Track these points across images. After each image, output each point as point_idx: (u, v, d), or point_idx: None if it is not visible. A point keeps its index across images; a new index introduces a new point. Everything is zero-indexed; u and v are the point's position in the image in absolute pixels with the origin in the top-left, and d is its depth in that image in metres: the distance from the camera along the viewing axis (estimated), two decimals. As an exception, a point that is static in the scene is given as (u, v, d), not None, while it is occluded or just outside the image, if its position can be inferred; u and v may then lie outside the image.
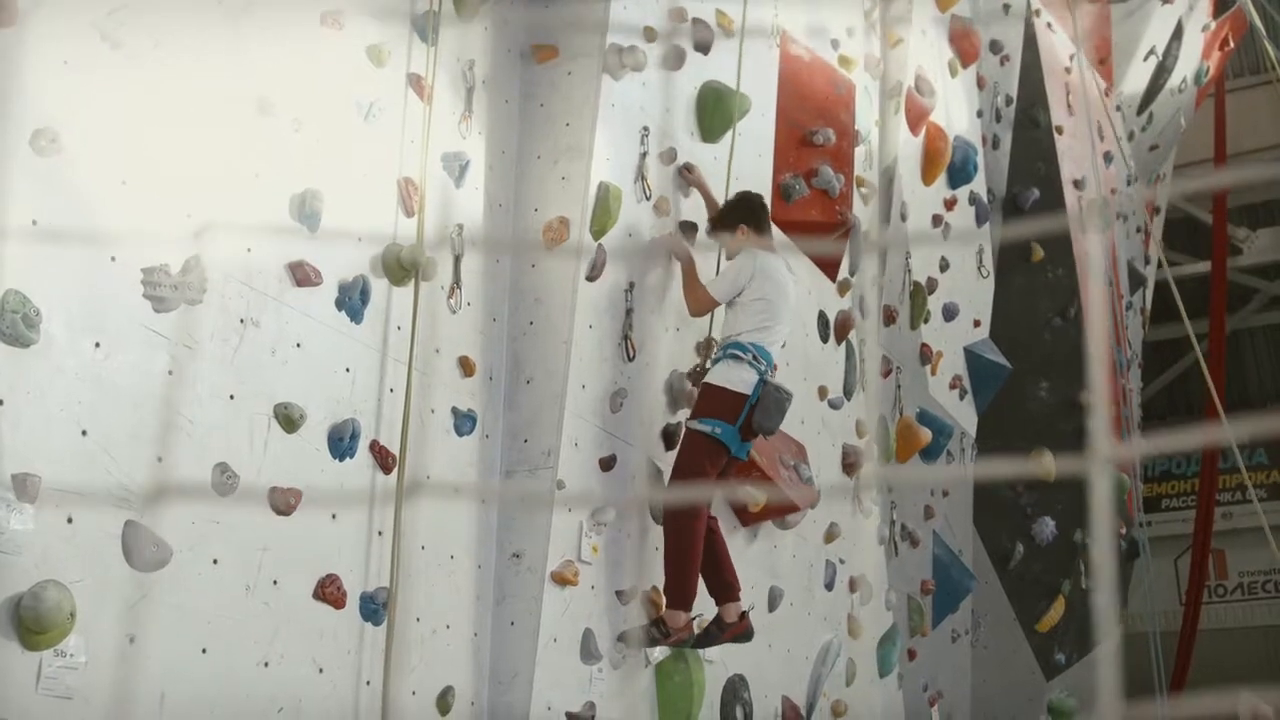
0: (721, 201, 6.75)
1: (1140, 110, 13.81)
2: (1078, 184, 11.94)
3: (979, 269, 10.60)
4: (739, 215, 6.42)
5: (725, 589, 6.12)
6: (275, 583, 4.63)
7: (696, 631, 6.08)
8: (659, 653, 6.24)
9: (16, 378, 3.83)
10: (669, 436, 6.45)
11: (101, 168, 4.20)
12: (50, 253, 3.99)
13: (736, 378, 5.96)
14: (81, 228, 4.11)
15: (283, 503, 4.67)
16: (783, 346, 6.28)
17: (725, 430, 5.89)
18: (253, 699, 4.51)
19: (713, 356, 6.24)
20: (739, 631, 6.15)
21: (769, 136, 7.65)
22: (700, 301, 6.31)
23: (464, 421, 5.67)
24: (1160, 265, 13.37)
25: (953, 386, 10.11)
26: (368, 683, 4.97)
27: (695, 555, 5.90)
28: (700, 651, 6.45)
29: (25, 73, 3.98)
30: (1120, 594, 12.64)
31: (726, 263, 6.48)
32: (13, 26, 3.93)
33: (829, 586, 7.89)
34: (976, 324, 10.48)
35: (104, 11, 4.26)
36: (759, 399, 5.93)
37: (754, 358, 6.00)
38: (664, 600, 6.18)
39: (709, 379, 6.07)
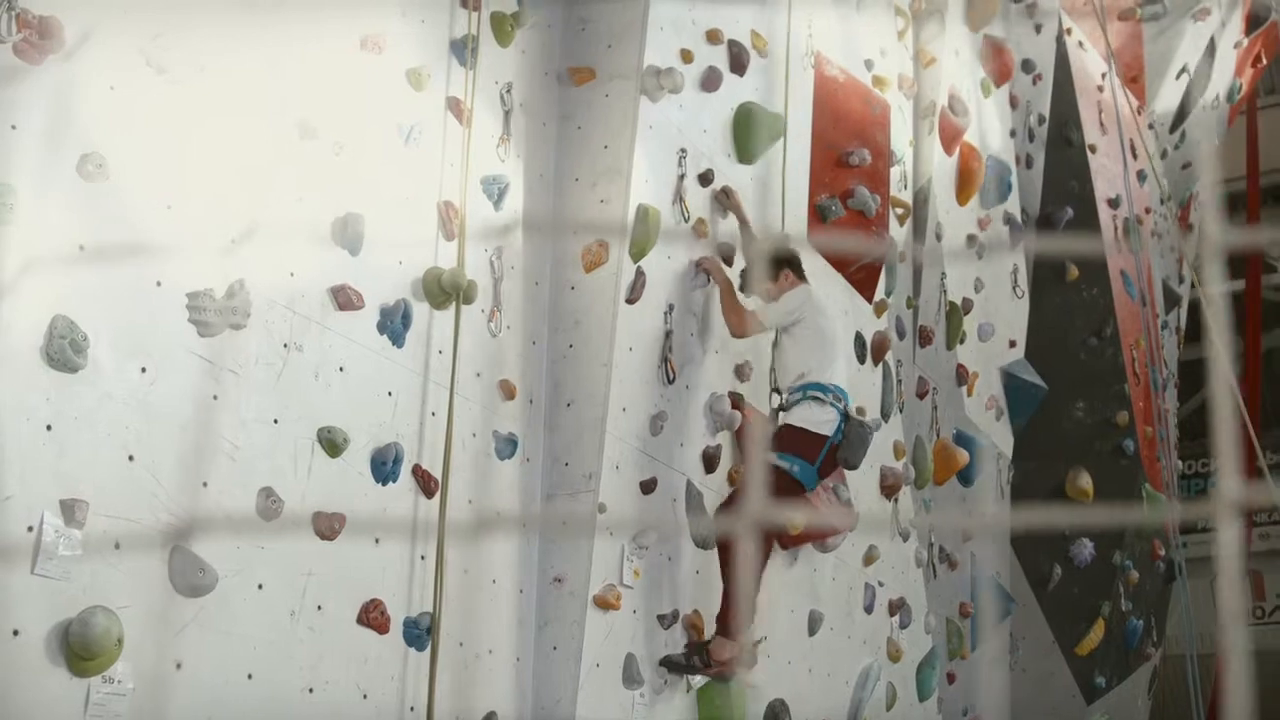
0: (753, 224, 6.77)
1: (1173, 128, 13.72)
2: (1112, 202, 11.88)
3: (1014, 289, 10.55)
4: (782, 263, 6.44)
5: (729, 629, 5.94)
6: (319, 608, 4.61)
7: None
8: (700, 676, 6.19)
9: (64, 403, 3.83)
10: (709, 459, 6.41)
11: (147, 192, 4.20)
12: (97, 278, 3.98)
13: (819, 419, 6.02)
14: (127, 253, 4.11)
15: (327, 527, 4.66)
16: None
17: (804, 469, 5.94)
18: (298, 725, 4.49)
19: (788, 397, 6.20)
20: (720, 673, 6.02)
21: (804, 158, 7.62)
22: (747, 323, 6.30)
23: (505, 445, 5.64)
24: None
25: (989, 407, 10.05)
26: (411, 708, 4.94)
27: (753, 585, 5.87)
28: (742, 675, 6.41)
29: (72, 99, 3.99)
30: (1160, 617, 12.50)
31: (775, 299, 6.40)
32: (60, 53, 3.94)
33: (868, 610, 7.83)
34: (1012, 344, 10.43)
35: (149, 37, 4.27)
36: (843, 437, 6.02)
37: (835, 398, 6.07)
38: (705, 626, 6.13)
39: (789, 419, 6.07)
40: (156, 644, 4.01)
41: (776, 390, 6.39)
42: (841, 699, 7.48)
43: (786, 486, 5.87)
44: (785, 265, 6.42)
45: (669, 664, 5.95)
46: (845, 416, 6.08)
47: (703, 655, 5.91)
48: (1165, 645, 12.75)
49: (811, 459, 5.96)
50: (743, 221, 6.78)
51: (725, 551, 5.97)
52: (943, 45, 9.49)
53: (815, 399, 6.05)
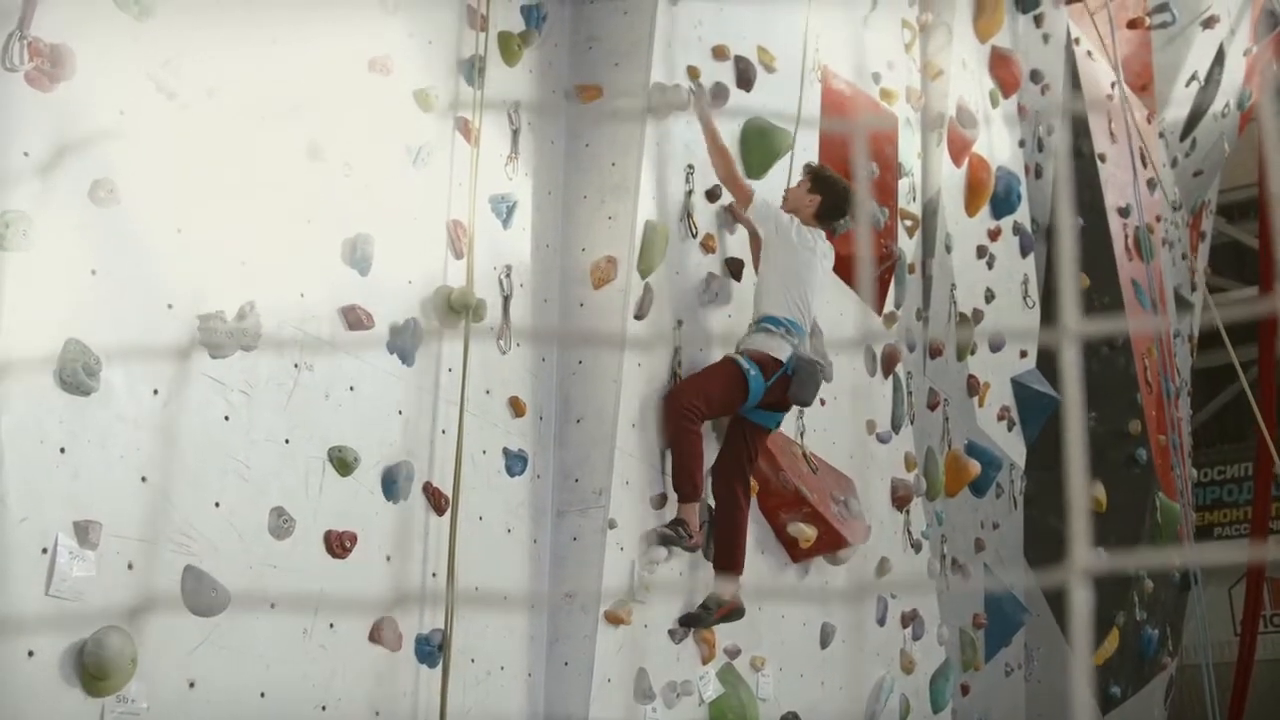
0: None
1: (1183, 136, 13.73)
2: (1122, 211, 11.89)
3: (1024, 299, 10.55)
4: (825, 191, 6.52)
5: (731, 563, 6.14)
6: (332, 626, 4.64)
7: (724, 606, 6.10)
8: (712, 690, 6.21)
9: (78, 426, 3.87)
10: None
11: (157, 216, 4.25)
12: (109, 301, 4.03)
13: (773, 346, 6.17)
14: (139, 276, 4.16)
15: (338, 546, 4.69)
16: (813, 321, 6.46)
17: (757, 376, 6.07)
18: (311, 743, 4.52)
19: (748, 332, 6.32)
20: (730, 610, 6.13)
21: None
22: (736, 181, 6.44)
23: (515, 462, 5.68)
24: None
25: (1001, 418, 10.05)
26: (424, 725, 4.96)
27: (697, 453, 6.00)
28: (754, 688, 6.43)
29: (83, 125, 4.04)
30: (1175, 626, 12.48)
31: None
32: (71, 79, 3.99)
33: (881, 622, 7.83)
34: (1023, 354, 10.42)
35: (158, 62, 4.32)
36: (794, 370, 6.15)
37: (786, 331, 6.21)
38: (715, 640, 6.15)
39: (746, 346, 6.20)
40: (170, 663, 4.04)
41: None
42: (855, 711, 7.49)
43: (731, 382, 6.08)
44: (822, 193, 6.48)
45: (660, 537, 5.92)
46: (795, 352, 6.18)
47: (683, 528, 5.91)
48: (1181, 654, 12.73)
49: (766, 375, 6.09)
50: (751, 230, 6.81)
51: (676, 428, 6.04)
52: (950, 57, 9.51)
53: (765, 330, 6.21)
